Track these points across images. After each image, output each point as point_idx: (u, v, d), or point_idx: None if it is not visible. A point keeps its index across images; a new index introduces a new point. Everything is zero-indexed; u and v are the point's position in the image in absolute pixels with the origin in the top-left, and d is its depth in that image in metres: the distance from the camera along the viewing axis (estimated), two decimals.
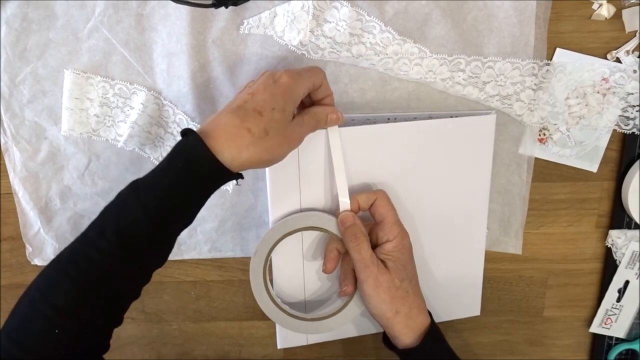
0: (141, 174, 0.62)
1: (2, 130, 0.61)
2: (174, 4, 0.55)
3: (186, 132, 0.47)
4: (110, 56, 0.59)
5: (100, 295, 0.47)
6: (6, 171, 0.63)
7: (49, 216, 0.64)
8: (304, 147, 0.54)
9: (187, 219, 0.49)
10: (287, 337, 0.62)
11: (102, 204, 0.63)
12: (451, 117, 0.58)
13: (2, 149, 0.62)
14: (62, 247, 0.65)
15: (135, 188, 0.47)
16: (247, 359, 0.74)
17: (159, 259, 0.49)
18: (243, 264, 0.68)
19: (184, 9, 0.56)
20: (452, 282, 0.64)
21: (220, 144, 0.45)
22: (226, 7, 0.55)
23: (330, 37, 0.56)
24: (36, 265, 0.67)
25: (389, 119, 0.59)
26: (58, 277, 0.47)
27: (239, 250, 0.66)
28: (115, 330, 0.50)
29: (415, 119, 0.58)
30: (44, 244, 0.65)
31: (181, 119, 0.60)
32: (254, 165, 0.48)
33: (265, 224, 0.62)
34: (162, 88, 0.60)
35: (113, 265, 0.46)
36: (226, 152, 0.45)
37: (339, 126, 0.55)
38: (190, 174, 0.46)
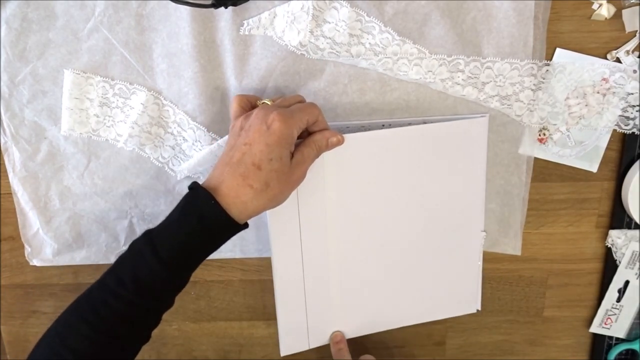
0: (141, 174, 0.63)
1: (1, 130, 0.61)
2: (173, 4, 0.55)
3: (195, 187, 0.50)
4: (110, 56, 0.59)
5: (117, 340, 0.49)
6: (6, 171, 0.63)
7: (48, 216, 0.64)
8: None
9: (199, 264, 0.52)
10: (289, 343, 0.63)
11: (102, 204, 0.64)
12: (445, 121, 0.58)
13: (1, 148, 0.62)
14: (61, 247, 0.66)
15: (149, 240, 0.49)
16: (247, 359, 0.74)
17: (172, 301, 0.52)
18: (243, 264, 0.68)
19: (183, 9, 0.56)
20: (449, 281, 0.64)
21: (227, 202, 0.49)
22: (226, 7, 0.55)
23: (330, 38, 0.56)
24: (35, 266, 0.67)
25: (383, 125, 0.59)
26: (78, 323, 0.49)
27: (238, 250, 0.66)
28: None
29: (409, 124, 0.58)
30: (43, 244, 0.65)
31: (182, 118, 0.60)
32: (261, 212, 0.51)
33: (265, 224, 0.62)
34: (162, 88, 0.60)
35: (131, 312, 0.49)
36: (233, 208, 0.49)
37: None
38: (203, 229, 0.49)
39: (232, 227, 0.50)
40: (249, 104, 0.54)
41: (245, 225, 0.51)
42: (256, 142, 0.48)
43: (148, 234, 0.50)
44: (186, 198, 0.50)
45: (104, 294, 0.49)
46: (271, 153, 0.48)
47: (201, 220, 0.48)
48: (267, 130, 0.48)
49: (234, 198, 0.48)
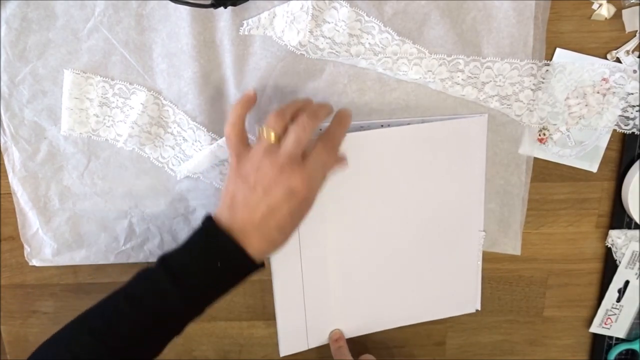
0: (141, 174, 0.63)
1: (1, 130, 0.61)
2: (173, 4, 0.55)
3: (215, 231, 0.50)
4: (110, 56, 0.59)
5: None
6: (5, 171, 0.63)
7: (47, 216, 0.64)
8: None
9: (217, 300, 0.53)
10: (288, 344, 0.63)
11: (102, 204, 0.64)
12: (444, 121, 0.58)
13: (1, 148, 0.62)
14: (61, 248, 0.66)
15: (172, 275, 0.50)
16: (247, 359, 0.74)
17: (183, 330, 0.54)
18: None
19: (183, 9, 0.56)
20: (449, 281, 0.65)
21: (253, 254, 0.50)
22: (225, 7, 0.55)
23: (330, 38, 0.56)
24: (35, 266, 0.67)
25: (382, 125, 0.59)
26: (95, 344, 0.49)
27: None
28: None
29: (409, 124, 0.58)
30: (43, 244, 0.65)
31: (181, 118, 0.60)
32: None
33: None
34: (162, 88, 0.60)
35: (146, 340, 0.51)
36: (258, 258, 0.51)
37: None
38: (229, 273, 0.51)
39: (253, 269, 0.52)
40: (244, 130, 0.53)
41: (262, 265, 0.53)
42: (280, 208, 0.49)
43: (169, 269, 0.50)
44: (210, 240, 0.51)
45: (124, 320, 0.50)
46: (294, 223, 0.51)
47: (226, 265, 0.50)
48: (293, 197, 0.49)
49: (260, 254, 0.51)
